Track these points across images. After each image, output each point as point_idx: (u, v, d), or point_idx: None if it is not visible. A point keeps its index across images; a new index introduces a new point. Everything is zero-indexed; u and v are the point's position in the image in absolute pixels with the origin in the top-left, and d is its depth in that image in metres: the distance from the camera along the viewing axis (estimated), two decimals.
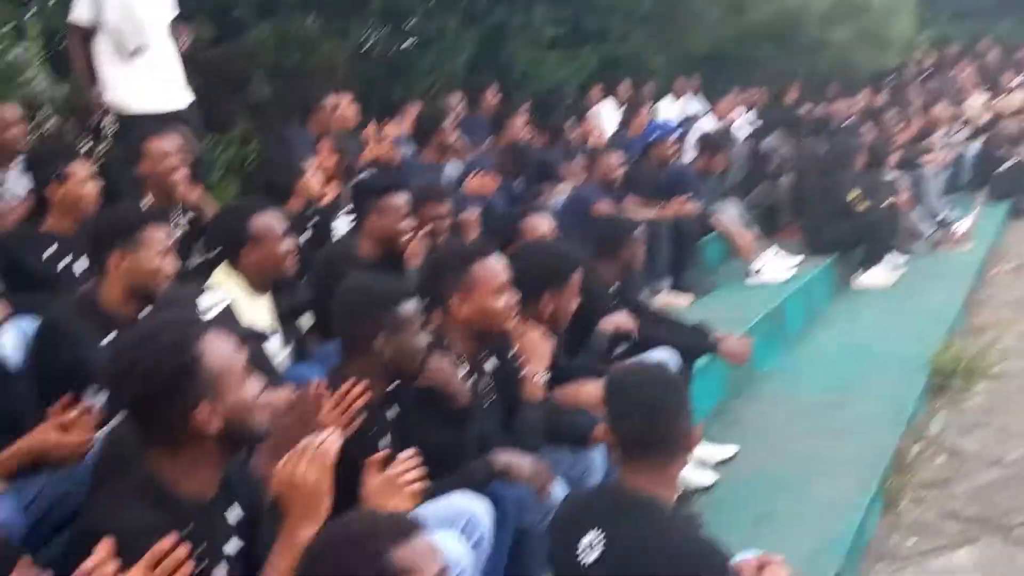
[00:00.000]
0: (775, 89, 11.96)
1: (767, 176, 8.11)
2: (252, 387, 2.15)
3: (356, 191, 4.55)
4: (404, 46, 9.15)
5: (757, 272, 6.64)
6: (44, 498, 2.55)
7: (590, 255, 4.49)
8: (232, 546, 2.15)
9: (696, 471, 4.05)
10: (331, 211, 5.00)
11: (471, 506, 2.65)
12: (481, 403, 3.09)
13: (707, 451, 4.26)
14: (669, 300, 5.99)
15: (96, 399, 2.91)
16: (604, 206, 5.77)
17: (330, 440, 2.08)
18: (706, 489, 4.04)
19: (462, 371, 3.06)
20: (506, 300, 3.10)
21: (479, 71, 9.43)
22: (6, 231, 4.16)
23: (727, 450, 4.36)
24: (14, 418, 2.85)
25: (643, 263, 5.35)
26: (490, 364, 3.24)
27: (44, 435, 2.61)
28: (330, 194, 5.19)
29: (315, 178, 5.01)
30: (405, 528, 1.68)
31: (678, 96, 11.00)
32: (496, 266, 3.13)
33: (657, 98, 10.69)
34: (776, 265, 6.68)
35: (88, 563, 1.70)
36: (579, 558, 2.21)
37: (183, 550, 1.78)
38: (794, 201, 7.86)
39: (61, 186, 3.93)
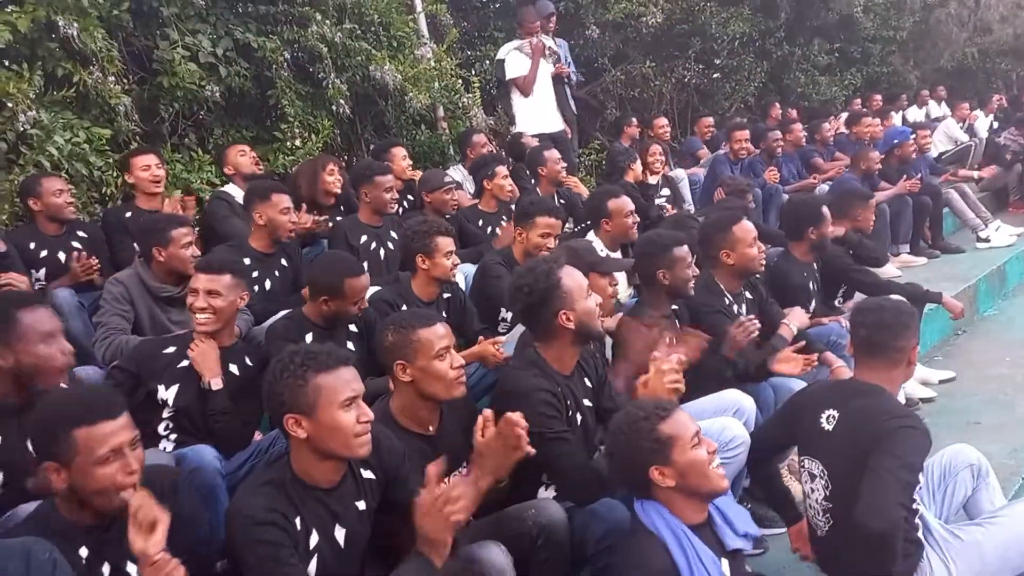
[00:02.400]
0: (1010, 96, 11.55)
1: (1001, 164, 8.01)
2: (592, 302, 2.50)
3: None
4: (712, 77, 9.50)
5: (984, 240, 6.70)
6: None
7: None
8: (588, 402, 2.53)
9: (920, 387, 4.13)
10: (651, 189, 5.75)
11: (739, 398, 2.80)
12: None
13: (930, 373, 4.37)
14: (908, 260, 6.15)
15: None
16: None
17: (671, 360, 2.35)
18: (927, 400, 4.10)
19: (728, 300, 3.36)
20: (756, 249, 3.37)
21: (767, 94, 9.83)
22: (460, 209, 4.88)
23: (946, 374, 4.43)
24: (463, 329, 3.43)
25: (888, 231, 5.81)
26: (748, 295, 3.51)
27: (483, 348, 3.11)
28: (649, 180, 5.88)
29: (638, 168, 5.73)
30: (668, 408, 1.95)
31: (921, 106, 10.89)
32: (747, 225, 3.41)
33: (908, 107, 10.68)
34: (1001, 234, 6.70)
35: (511, 416, 1.96)
36: (822, 425, 2.31)
37: (520, 421, 1.99)
38: (1020, 184, 7.86)
39: (492, 180, 4.89)
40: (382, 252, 4.26)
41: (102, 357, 3.18)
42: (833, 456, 2.27)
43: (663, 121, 7.74)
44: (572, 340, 2.48)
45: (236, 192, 4.61)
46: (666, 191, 6.08)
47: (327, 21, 5.71)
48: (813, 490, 2.34)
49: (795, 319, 3.41)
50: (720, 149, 7.31)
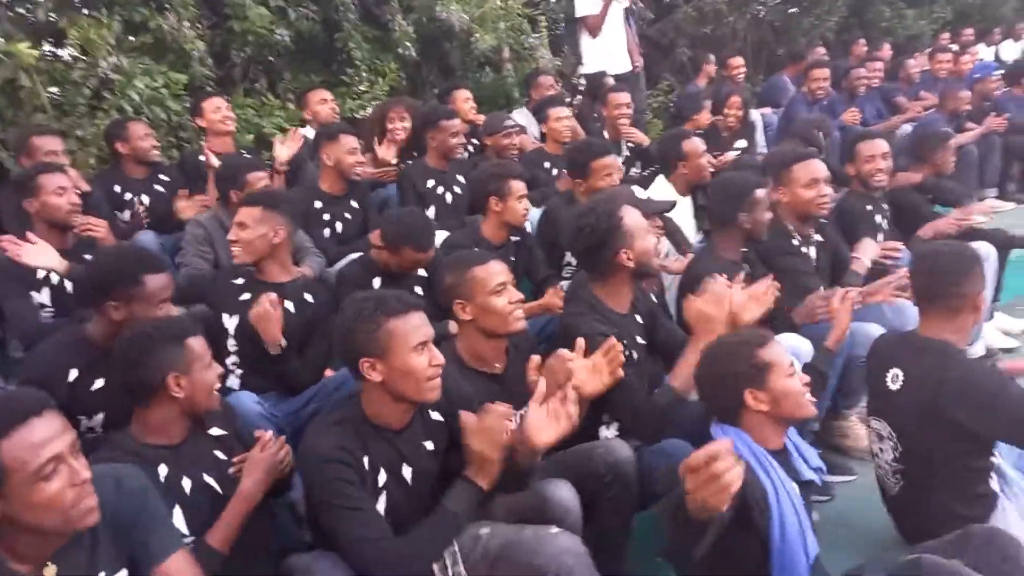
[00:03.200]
0: None
1: None
2: (651, 240, 2.52)
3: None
4: (789, 12, 9.05)
5: None
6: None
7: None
8: (640, 341, 2.54)
9: (1001, 337, 4.03)
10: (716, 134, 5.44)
11: (798, 343, 2.76)
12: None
13: (1012, 323, 4.21)
14: (995, 205, 5.51)
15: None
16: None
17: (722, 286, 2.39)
18: (1008, 351, 3.99)
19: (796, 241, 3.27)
20: (820, 190, 3.24)
21: (849, 29, 9.31)
22: (525, 152, 4.85)
23: None
24: (531, 274, 3.55)
25: (974, 174, 5.55)
26: (817, 237, 3.41)
27: (548, 300, 3.14)
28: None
29: (707, 114, 5.57)
30: (765, 336, 1.99)
31: (1017, 39, 10.20)
32: (814, 164, 3.28)
33: (1002, 41, 10.04)
34: None
35: (565, 352, 2.08)
36: (887, 385, 2.29)
37: (618, 345, 2.14)
38: None
39: (547, 123, 4.78)
40: (448, 196, 4.28)
41: (198, 276, 3.27)
42: (900, 418, 2.24)
43: (738, 61, 7.40)
44: (629, 278, 2.52)
45: (312, 135, 4.62)
46: (742, 142, 5.75)
47: None
48: (882, 451, 2.31)
49: (866, 251, 3.30)
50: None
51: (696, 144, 4.05)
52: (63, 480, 1.47)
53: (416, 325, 1.97)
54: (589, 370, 2.12)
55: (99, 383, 2.35)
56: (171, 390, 1.94)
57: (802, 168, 3.25)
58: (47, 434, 1.47)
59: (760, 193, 3.05)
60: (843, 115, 6.18)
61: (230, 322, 2.83)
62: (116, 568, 1.64)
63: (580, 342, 2.13)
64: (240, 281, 2.89)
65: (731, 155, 5.25)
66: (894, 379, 2.27)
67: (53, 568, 1.54)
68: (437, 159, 4.34)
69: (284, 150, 4.13)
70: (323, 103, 4.86)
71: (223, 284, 2.89)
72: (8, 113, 4.26)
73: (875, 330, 2.78)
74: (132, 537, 1.65)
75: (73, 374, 2.33)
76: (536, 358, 2.11)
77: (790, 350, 2.47)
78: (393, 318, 1.94)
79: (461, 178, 4.34)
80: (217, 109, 4.37)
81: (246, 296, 2.83)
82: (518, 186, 3.36)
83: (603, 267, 2.51)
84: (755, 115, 6.29)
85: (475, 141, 5.20)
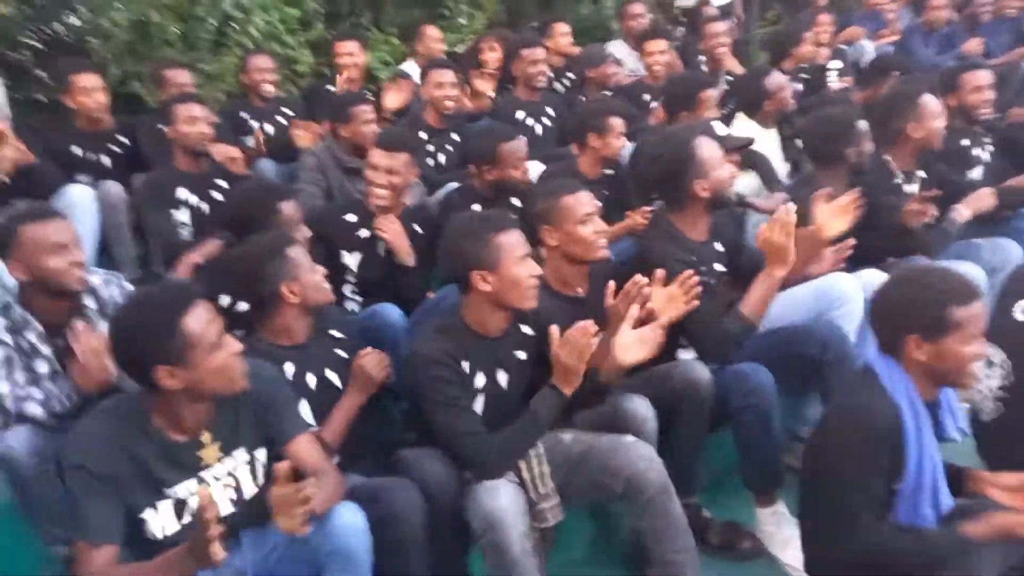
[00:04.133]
0: None
1: None
2: (727, 171, 2.58)
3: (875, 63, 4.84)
4: None
5: None
6: None
7: None
8: (719, 266, 2.60)
9: None
10: (820, 70, 5.18)
11: (846, 288, 2.67)
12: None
13: None
14: None
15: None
16: None
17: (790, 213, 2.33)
18: None
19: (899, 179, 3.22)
20: (942, 123, 3.20)
21: None
22: (619, 86, 4.81)
23: None
24: (624, 205, 3.36)
25: None
26: (920, 174, 3.31)
27: (631, 220, 3.14)
28: (820, 57, 5.30)
29: (810, 45, 5.18)
30: (972, 294, 1.83)
31: None
32: (934, 100, 3.22)
33: None
34: None
35: (641, 279, 2.15)
36: (1013, 315, 2.27)
37: (695, 277, 2.24)
38: None
39: (646, 57, 4.78)
40: (538, 128, 4.36)
41: (311, 213, 3.47)
42: (1021, 349, 2.22)
43: None
44: (705, 208, 2.57)
45: (413, 71, 4.84)
46: (837, 62, 5.44)
47: None
48: (988, 376, 2.29)
49: (974, 203, 3.20)
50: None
51: (778, 79, 4.01)
52: (228, 350, 1.78)
53: (519, 239, 2.15)
54: (666, 298, 2.21)
55: (243, 306, 2.53)
56: (287, 298, 2.17)
57: (930, 100, 3.17)
58: (212, 314, 1.78)
59: (862, 125, 3.04)
60: (964, 45, 5.82)
61: (351, 258, 3.01)
62: (255, 445, 1.94)
63: (660, 272, 2.23)
64: (353, 218, 3.04)
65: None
66: (1022, 311, 2.25)
67: (208, 434, 1.85)
68: (525, 90, 4.42)
69: (392, 99, 4.31)
70: (436, 41, 5.00)
71: (338, 222, 3.03)
72: (141, 47, 4.58)
73: (973, 270, 2.76)
74: (267, 418, 1.93)
75: (226, 300, 2.57)
76: (612, 284, 2.22)
77: (867, 287, 2.54)
78: (500, 233, 2.13)
79: (551, 110, 4.41)
80: (341, 56, 4.54)
81: (364, 233, 3.00)
82: (617, 123, 3.43)
83: (678, 197, 2.57)
84: (867, 44, 6.02)
85: (570, 75, 5.21)
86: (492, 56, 4.77)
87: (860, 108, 3.76)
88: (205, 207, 3.38)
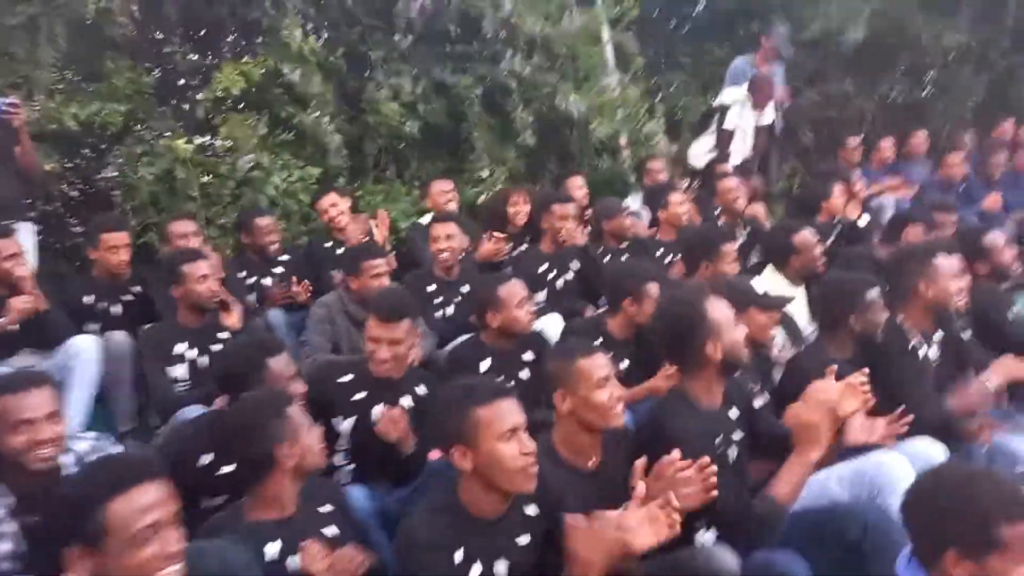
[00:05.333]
0: None
1: None
2: (741, 332, 2.44)
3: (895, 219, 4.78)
4: (922, 94, 8.60)
5: None
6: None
7: None
8: (738, 435, 2.45)
9: None
10: (852, 223, 5.13)
11: (929, 449, 2.59)
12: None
13: None
14: None
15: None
16: None
17: (829, 388, 2.23)
18: None
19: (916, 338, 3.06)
20: (958, 285, 3.08)
21: (987, 111, 8.61)
22: (638, 239, 4.82)
23: None
24: (648, 365, 3.25)
25: None
26: (938, 334, 3.20)
27: (654, 382, 3.05)
28: (852, 212, 5.25)
29: (840, 199, 5.16)
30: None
31: None
32: (949, 261, 3.11)
33: None
34: None
35: (679, 464, 2.00)
36: None
37: (713, 467, 2.03)
38: None
39: (666, 210, 4.83)
40: (560, 282, 4.33)
41: (307, 374, 3.43)
42: None
43: (854, 141, 7.11)
44: (718, 371, 2.42)
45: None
46: (865, 217, 5.48)
47: (518, 56, 5.90)
48: None
49: (999, 373, 2.98)
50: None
51: (807, 237, 3.94)
52: (156, 548, 1.52)
53: (504, 413, 1.95)
54: (686, 482, 2.02)
55: (227, 468, 2.44)
56: (282, 461, 2.03)
57: (947, 261, 3.08)
58: (152, 501, 1.54)
59: (872, 294, 2.93)
60: (984, 201, 5.88)
61: (343, 425, 2.84)
62: None
63: (675, 454, 2.05)
64: (349, 378, 2.89)
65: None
66: None
67: None
68: (550, 244, 4.40)
69: (380, 234, 4.43)
70: (443, 195, 5.07)
71: (331, 385, 2.86)
72: (164, 201, 4.69)
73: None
74: None
75: (206, 459, 2.45)
76: (642, 462, 2.03)
77: (921, 459, 2.41)
78: (481, 406, 1.94)
79: (575, 264, 4.39)
80: (325, 210, 4.61)
81: (360, 396, 2.86)
82: (655, 290, 3.31)
83: (689, 360, 2.43)
84: (887, 199, 6.09)
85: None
86: (516, 210, 4.80)
87: (881, 269, 3.72)
88: (204, 361, 3.31)
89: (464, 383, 2.05)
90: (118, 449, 2.51)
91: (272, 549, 2.02)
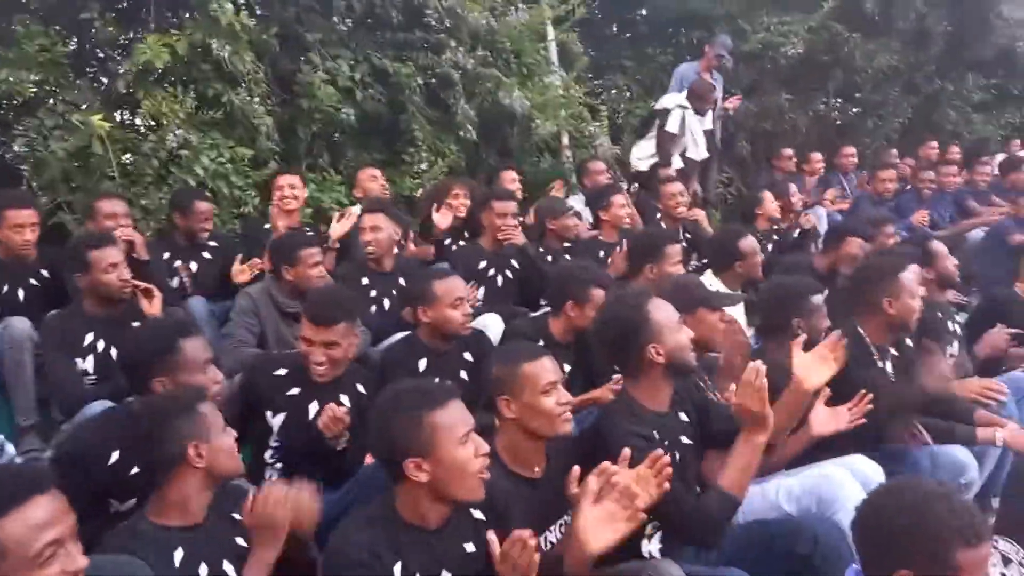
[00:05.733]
0: None
1: None
2: (685, 335, 2.37)
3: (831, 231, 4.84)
4: (853, 112, 8.98)
5: None
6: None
7: (1005, 274, 4.42)
8: (685, 439, 2.37)
9: None
10: (787, 231, 5.40)
11: (865, 467, 2.52)
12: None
13: None
14: None
15: None
16: (1020, 237, 5.46)
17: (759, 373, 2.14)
18: None
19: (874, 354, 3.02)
20: (919, 302, 3.03)
21: (913, 131, 9.11)
22: (580, 240, 4.79)
23: None
24: (590, 368, 3.29)
25: None
26: (892, 351, 3.14)
27: (601, 392, 2.97)
28: (789, 219, 5.51)
29: (773, 207, 5.42)
30: (981, 526, 1.58)
31: None
32: (912, 277, 3.06)
33: None
34: None
35: (609, 466, 1.87)
36: None
37: (665, 457, 1.94)
38: None
39: (608, 211, 4.75)
40: (499, 279, 4.24)
41: (228, 368, 3.25)
42: None
43: (788, 152, 7.40)
44: (663, 375, 2.36)
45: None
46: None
47: (461, 48, 5.79)
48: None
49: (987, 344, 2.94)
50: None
51: (752, 243, 3.98)
52: (58, 568, 1.39)
53: (460, 414, 1.85)
54: (635, 480, 1.91)
55: (137, 468, 2.26)
56: (191, 460, 1.86)
57: (909, 276, 3.02)
58: (48, 516, 1.41)
59: (817, 299, 2.92)
60: (912, 216, 6.06)
61: (275, 420, 2.72)
62: None
63: (625, 452, 1.94)
64: (283, 372, 2.76)
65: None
66: None
67: None
68: (490, 241, 4.31)
69: (337, 228, 4.16)
70: (372, 180, 4.92)
71: (266, 378, 2.75)
72: (77, 179, 4.37)
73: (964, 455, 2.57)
74: None
75: (115, 456, 2.25)
76: (576, 470, 1.94)
77: (858, 476, 2.38)
78: (436, 410, 1.80)
79: (515, 262, 4.31)
80: (280, 188, 4.40)
81: (294, 391, 2.73)
82: (599, 295, 3.24)
83: (632, 363, 2.36)
84: (820, 209, 6.20)
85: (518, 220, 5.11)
86: (457, 203, 4.71)
87: (820, 278, 3.75)
88: (114, 352, 3.04)
89: (409, 388, 1.90)
90: (10, 450, 2.25)
91: (178, 555, 1.84)
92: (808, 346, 2.74)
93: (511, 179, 5.36)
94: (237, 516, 1.99)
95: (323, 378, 2.70)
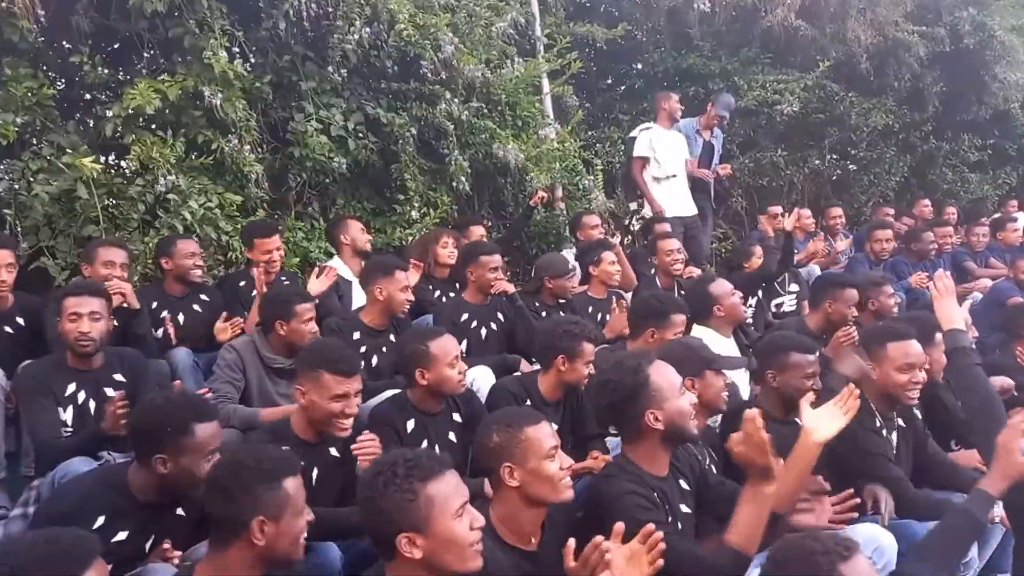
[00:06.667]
0: None
1: None
2: (686, 401, 2.39)
3: (820, 280, 4.94)
4: (849, 168, 9.11)
5: None
6: None
7: (1006, 338, 4.58)
8: (685, 508, 2.43)
9: None
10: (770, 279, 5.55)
11: (877, 534, 2.54)
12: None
13: None
14: None
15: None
16: (1019, 299, 5.52)
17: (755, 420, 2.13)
18: None
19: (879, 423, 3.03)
20: (913, 376, 3.00)
21: (908, 190, 9.36)
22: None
23: None
24: (579, 432, 3.39)
25: None
26: (899, 422, 3.17)
27: (595, 463, 3.00)
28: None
29: (759, 260, 5.60)
30: (850, 547, 1.70)
31: None
32: (912, 347, 3.04)
33: None
34: None
35: (602, 541, 1.89)
36: None
37: (658, 533, 1.94)
38: None
39: (598, 267, 4.90)
40: (483, 332, 4.28)
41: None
42: None
43: (776, 209, 7.36)
44: (662, 441, 2.36)
45: (339, 266, 4.77)
46: (794, 287, 5.89)
47: (456, 99, 5.88)
48: None
49: None
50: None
51: (723, 285, 4.11)
52: None
53: (454, 486, 1.84)
54: (627, 556, 1.93)
55: (122, 535, 2.24)
56: (253, 535, 1.82)
57: (898, 348, 3.01)
58: None
59: (797, 358, 2.98)
60: (911, 278, 6.14)
61: None
62: None
63: (619, 527, 1.95)
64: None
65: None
66: None
67: None
68: (474, 293, 4.36)
69: (316, 285, 4.21)
70: (362, 231, 4.98)
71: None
72: (61, 223, 4.38)
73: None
74: None
75: (100, 520, 2.22)
76: (572, 542, 1.94)
77: (868, 541, 2.37)
78: (430, 482, 1.79)
79: (500, 315, 4.36)
80: (268, 251, 4.40)
81: None
82: (589, 350, 3.27)
83: (629, 428, 2.36)
84: (815, 268, 6.30)
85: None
86: (445, 252, 4.81)
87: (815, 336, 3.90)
88: (93, 405, 3.04)
89: (403, 456, 1.88)
90: None
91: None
92: (787, 402, 2.87)
93: (480, 234, 5.44)
94: None
95: (345, 433, 2.65)
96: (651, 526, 1.96)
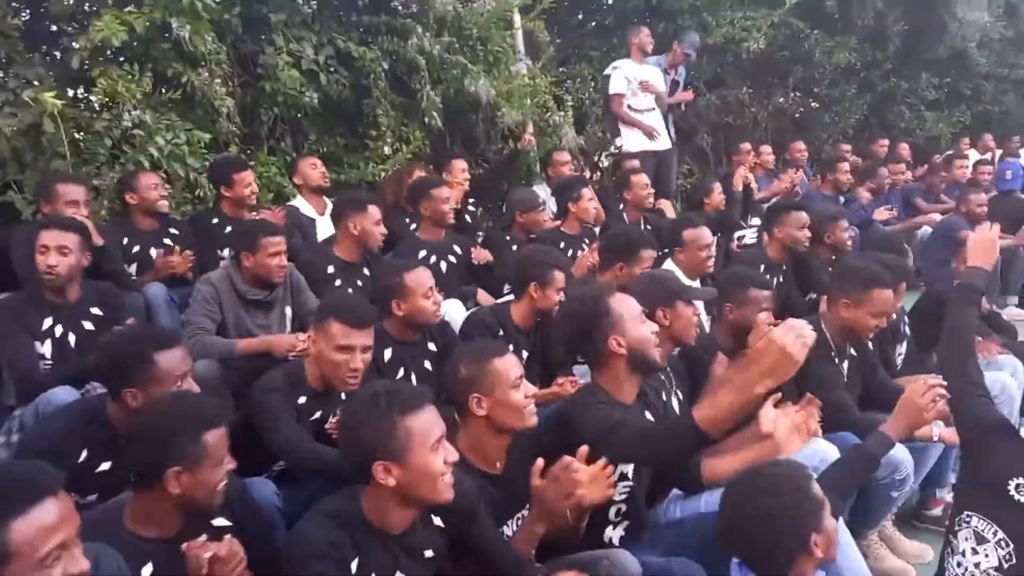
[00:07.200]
0: None
1: None
2: (648, 329, 2.37)
3: (769, 209, 4.93)
4: (812, 106, 9.21)
5: None
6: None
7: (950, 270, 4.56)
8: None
9: None
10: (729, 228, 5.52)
11: (826, 449, 2.53)
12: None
13: None
14: (1015, 315, 5.76)
15: None
16: (967, 233, 5.91)
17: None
18: None
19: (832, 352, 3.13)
20: (881, 323, 3.10)
21: (868, 127, 9.46)
22: (543, 231, 4.80)
23: None
24: (548, 359, 3.43)
25: (998, 282, 5.48)
26: (851, 352, 3.26)
27: (561, 388, 3.01)
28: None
29: (719, 196, 5.55)
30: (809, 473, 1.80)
31: None
32: (884, 294, 3.08)
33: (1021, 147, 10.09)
34: None
35: (570, 461, 1.98)
36: (1010, 494, 2.08)
37: (610, 467, 2.02)
38: None
39: (577, 204, 4.76)
40: (443, 265, 4.22)
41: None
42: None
43: (747, 146, 7.44)
44: (627, 367, 2.36)
45: (301, 204, 4.73)
46: (756, 220, 5.84)
47: (427, 34, 5.73)
48: (975, 552, 2.14)
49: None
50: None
51: (699, 233, 4.04)
52: (60, 570, 1.38)
53: (433, 420, 1.84)
54: (590, 478, 1.98)
55: (105, 466, 2.23)
56: (169, 483, 1.79)
57: (881, 296, 3.07)
58: (57, 519, 1.39)
59: (754, 293, 3.01)
60: (875, 212, 6.22)
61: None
62: None
63: (583, 449, 2.00)
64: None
65: None
66: (1019, 489, 2.09)
67: None
68: (430, 229, 4.32)
69: None
70: (312, 168, 4.87)
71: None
72: (27, 157, 4.24)
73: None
74: None
75: (84, 454, 2.21)
76: (540, 462, 2.00)
77: (814, 454, 2.43)
78: (409, 415, 1.80)
79: (457, 248, 4.33)
80: (248, 184, 4.31)
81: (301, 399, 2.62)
82: (560, 277, 3.30)
83: (593, 354, 2.39)
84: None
85: (471, 209, 5.33)
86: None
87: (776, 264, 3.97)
88: (72, 339, 3.00)
89: (385, 388, 1.89)
90: None
91: (147, 572, 1.79)
92: (738, 332, 2.90)
93: (461, 168, 5.31)
94: (219, 522, 1.94)
95: (352, 387, 2.56)
96: (603, 461, 2.02)
